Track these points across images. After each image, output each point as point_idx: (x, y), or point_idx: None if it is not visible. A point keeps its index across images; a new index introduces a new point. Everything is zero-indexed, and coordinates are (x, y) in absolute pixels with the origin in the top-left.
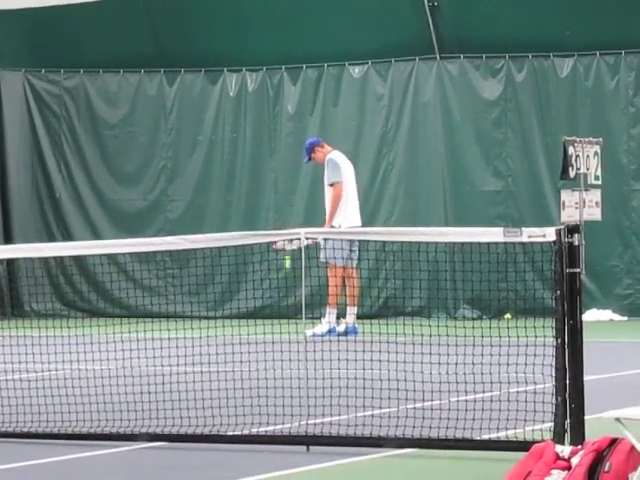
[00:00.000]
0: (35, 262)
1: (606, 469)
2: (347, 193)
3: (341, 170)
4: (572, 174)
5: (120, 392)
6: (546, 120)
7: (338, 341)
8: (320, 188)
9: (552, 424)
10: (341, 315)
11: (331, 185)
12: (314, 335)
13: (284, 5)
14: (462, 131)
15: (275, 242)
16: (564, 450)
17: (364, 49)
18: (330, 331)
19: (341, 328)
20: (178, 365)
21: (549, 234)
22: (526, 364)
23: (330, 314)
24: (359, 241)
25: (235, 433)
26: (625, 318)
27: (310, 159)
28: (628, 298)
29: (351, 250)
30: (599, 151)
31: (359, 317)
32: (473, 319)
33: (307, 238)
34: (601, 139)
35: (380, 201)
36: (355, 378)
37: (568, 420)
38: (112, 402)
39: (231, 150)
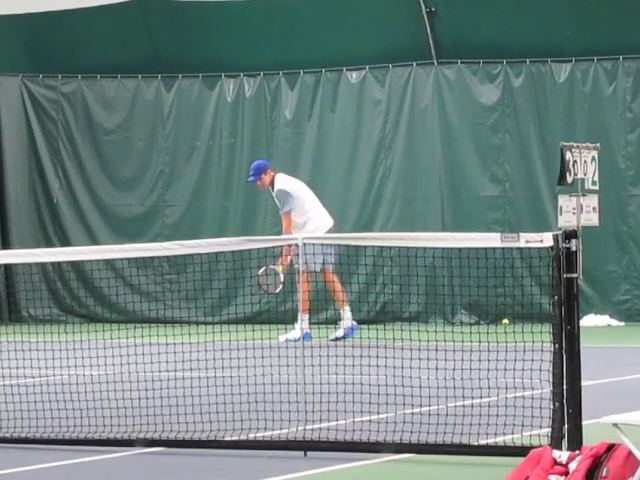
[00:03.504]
0: (32, 267)
1: (604, 474)
2: (309, 204)
3: (291, 199)
4: (569, 179)
5: (118, 397)
6: (544, 125)
7: (336, 346)
8: (316, 193)
9: (550, 429)
10: (337, 320)
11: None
12: (287, 341)
13: (281, 11)
14: (460, 136)
15: (261, 284)
16: (562, 455)
17: (362, 54)
18: (304, 337)
19: (339, 334)
20: (176, 370)
21: (546, 239)
22: (523, 369)
23: (302, 320)
24: (356, 246)
25: (233, 438)
26: (622, 323)
27: (256, 180)
28: (625, 303)
29: (326, 254)
30: (596, 156)
31: (357, 322)
32: (471, 324)
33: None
34: (599, 144)
35: (377, 206)
36: (353, 383)
37: (565, 425)
38: (110, 407)
39: (229, 155)
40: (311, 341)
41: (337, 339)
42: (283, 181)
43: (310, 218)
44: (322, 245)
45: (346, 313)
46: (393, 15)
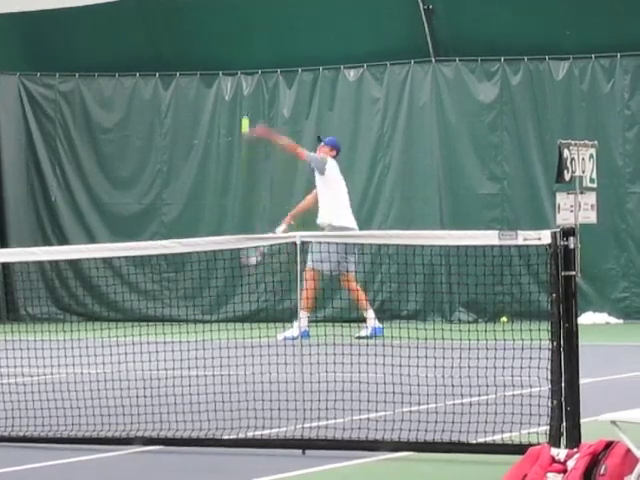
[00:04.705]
0: (30, 266)
1: (602, 472)
2: (339, 193)
3: (325, 167)
4: (567, 177)
5: (116, 396)
6: (542, 123)
7: (334, 345)
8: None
9: (548, 427)
10: (361, 320)
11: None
12: (285, 339)
13: (279, 8)
14: (458, 134)
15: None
16: (560, 453)
17: (359, 52)
18: (302, 335)
19: (363, 333)
20: (174, 369)
21: (544, 237)
22: (522, 367)
23: (302, 318)
24: (355, 245)
25: (231, 437)
26: (621, 321)
27: (322, 144)
28: (624, 301)
29: (346, 253)
30: (594, 154)
31: (356, 320)
32: (469, 322)
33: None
34: (597, 142)
35: (376, 204)
36: (351, 381)
37: (564, 423)
38: (108, 406)
39: (226, 154)
40: (309, 339)
41: (360, 337)
42: (330, 159)
43: (342, 213)
44: (345, 247)
45: (369, 316)
46: (391, 13)
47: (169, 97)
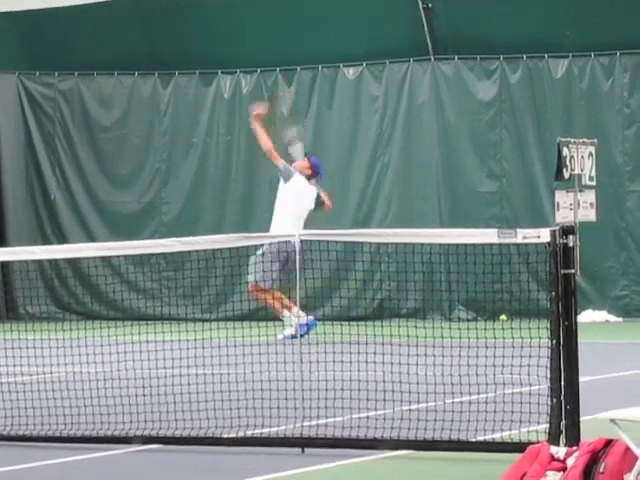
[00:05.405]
0: (30, 265)
1: (601, 470)
2: (293, 209)
3: (290, 176)
4: (566, 175)
5: (115, 395)
6: (541, 121)
7: (333, 343)
8: None
9: (547, 425)
10: (360, 319)
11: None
12: (285, 338)
13: (278, 7)
14: (457, 132)
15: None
16: (559, 451)
17: (358, 50)
18: (300, 330)
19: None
20: (173, 367)
21: (544, 235)
22: (521, 365)
23: (290, 317)
24: (353, 243)
25: (230, 435)
26: (620, 319)
27: (310, 160)
28: (623, 299)
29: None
30: (594, 152)
31: (355, 319)
32: (468, 320)
33: None
34: (596, 140)
35: (375, 203)
36: (350, 380)
37: (563, 421)
38: (107, 405)
39: (225, 152)
40: (308, 337)
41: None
42: (297, 175)
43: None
44: (280, 263)
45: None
46: (390, 11)
47: (168, 96)
